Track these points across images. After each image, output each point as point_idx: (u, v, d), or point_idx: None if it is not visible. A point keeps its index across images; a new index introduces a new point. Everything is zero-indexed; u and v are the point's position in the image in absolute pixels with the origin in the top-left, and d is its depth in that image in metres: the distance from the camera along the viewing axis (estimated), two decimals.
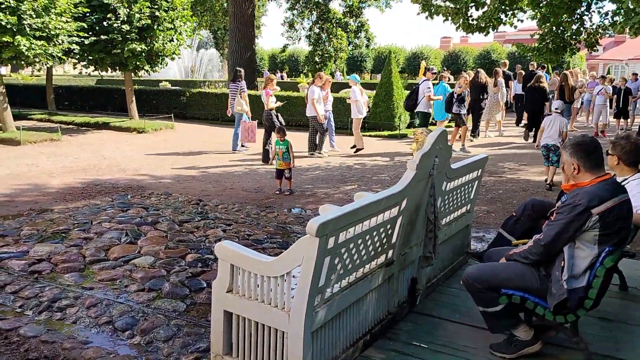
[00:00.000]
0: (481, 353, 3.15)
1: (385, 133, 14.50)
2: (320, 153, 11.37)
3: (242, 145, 12.18)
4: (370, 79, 39.39)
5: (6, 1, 11.31)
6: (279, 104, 11.07)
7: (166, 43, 15.30)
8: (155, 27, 14.72)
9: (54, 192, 7.78)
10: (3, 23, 11.23)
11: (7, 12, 11.40)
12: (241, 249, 3.01)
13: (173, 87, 21.69)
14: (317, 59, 32.10)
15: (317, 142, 11.47)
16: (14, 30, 11.53)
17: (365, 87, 14.15)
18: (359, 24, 34.85)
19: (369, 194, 3.79)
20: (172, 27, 15.33)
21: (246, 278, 2.96)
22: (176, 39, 15.85)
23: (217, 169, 9.95)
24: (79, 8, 13.32)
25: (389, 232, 3.27)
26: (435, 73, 12.54)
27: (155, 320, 3.76)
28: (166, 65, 16.90)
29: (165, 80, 26.87)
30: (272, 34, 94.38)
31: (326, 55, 32.31)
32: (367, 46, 38.24)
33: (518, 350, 3.06)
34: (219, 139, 13.84)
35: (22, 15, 11.64)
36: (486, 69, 17.40)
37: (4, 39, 11.45)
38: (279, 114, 10.62)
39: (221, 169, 9.89)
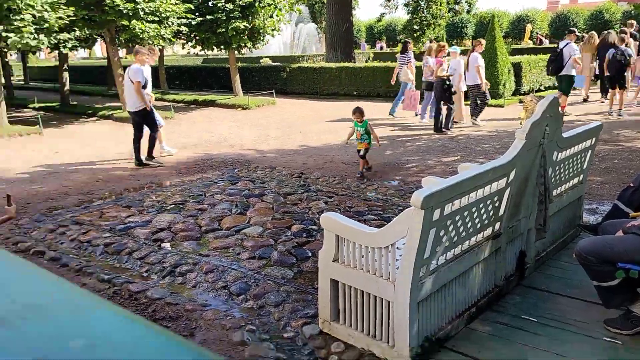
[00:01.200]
0: (594, 328, 3.02)
1: (490, 102, 13.87)
2: (476, 122, 11.06)
3: (390, 114, 12.59)
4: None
5: None
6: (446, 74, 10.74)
7: (266, 19, 15.66)
8: (256, 4, 15.11)
9: (170, 167, 8.38)
10: (121, 8, 12.11)
11: None
12: (346, 220, 3.10)
13: (274, 64, 22.22)
14: (415, 26, 31.21)
15: (473, 110, 11.18)
16: (130, 14, 12.40)
17: (467, 54, 13.55)
18: None
19: (474, 165, 3.71)
20: (272, 3, 15.64)
21: (351, 248, 3.05)
22: (276, 15, 16.16)
23: (318, 142, 10.14)
24: None
25: (497, 204, 3.19)
26: (578, 35, 11.80)
27: (266, 286, 3.99)
28: (267, 42, 17.32)
29: (266, 57, 27.56)
30: (369, 4, 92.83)
31: (425, 22, 31.29)
32: (468, 12, 36.52)
33: (635, 327, 2.90)
34: (318, 114, 14.05)
35: (136, 0, 12.46)
36: (598, 31, 15.91)
37: (122, 22, 12.36)
38: (450, 83, 10.38)
39: (322, 143, 10.07)
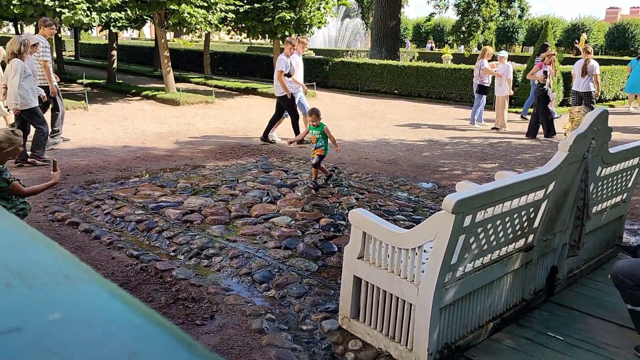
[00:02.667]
0: (624, 353, 2.90)
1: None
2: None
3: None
4: (522, 51, 36.78)
5: None
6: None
7: (313, 11, 15.65)
8: None
9: (207, 150, 8.49)
10: None
11: None
12: (374, 218, 3.06)
13: (317, 56, 22.22)
14: (463, 28, 30.67)
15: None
16: None
17: (516, 61, 13.27)
18: None
19: (512, 174, 3.61)
20: None
21: (377, 247, 3.01)
22: (323, 7, 16.13)
23: (354, 138, 10.09)
24: None
25: (532, 215, 3.09)
26: None
27: (289, 277, 3.99)
28: (312, 34, 17.31)
29: (310, 49, 27.60)
30: (418, 2, 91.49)
31: (474, 25, 30.71)
32: (520, 16, 35.66)
33: None
34: (357, 109, 13.97)
35: None
36: None
37: (171, 6, 12.55)
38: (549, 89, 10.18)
39: (358, 138, 10.01)
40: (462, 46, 30.75)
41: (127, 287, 3.84)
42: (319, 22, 16.29)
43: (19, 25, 17.21)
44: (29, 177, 6.19)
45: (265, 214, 5.38)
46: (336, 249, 4.55)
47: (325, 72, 18.74)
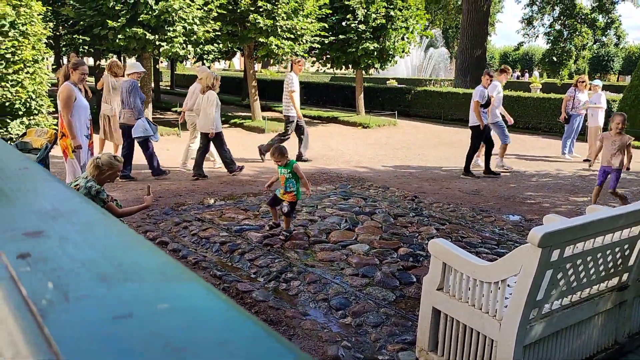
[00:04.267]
0: None
1: (636, 143, 12.69)
2: None
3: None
4: (617, 80, 34.77)
5: (264, 5, 12.96)
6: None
7: (397, 41, 15.77)
8: (388, 26, 15.29)
9: None
10: (261, 25, 12.91)
11: (264, 16, 13.07)
12: (455, 249, 2.99)
13: (399, 85, 22.25)
14: (554, 58, 29.57)
15: None
16: (269, 31, 13.16)
17: (611, 90, 12.57)
18: (609, 20, 30.97)
19: (605, 208, 3.41)
20: (405, 25, 15.73)
21: (458, 279, 2.93)
22: (407, 37, 16.22)
23: (436, 167, 9.94)
24: (323, 10, 14.55)
25: (626, 253, 2.90)
26: None
27: (366, 305, 3.96)
28: (395, 64, 17.42)
29: (393, 78, 27.71)
30: (506, 31, 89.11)
31: (565, 53, 29.53)
32: (617, 45, 33.87)
33: None
34: (439, 138, 13.79)
35: (276, 18, 13.21)
36: None
37: (260, 39, 13.16)
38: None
39: (440, 167, 9.86)
40: (549, 75, 29.58)
41: None
42: (402, 52, 16.37)
43: (122, 57, 18.71)
44: (124, 198, 6.64)
45: (343, 240, 5.41)
46: (415, 280, 4.47)
47: (407, 100, 18.70)
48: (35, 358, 0.28)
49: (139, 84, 8.53)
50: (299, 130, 9.83)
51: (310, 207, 6.65)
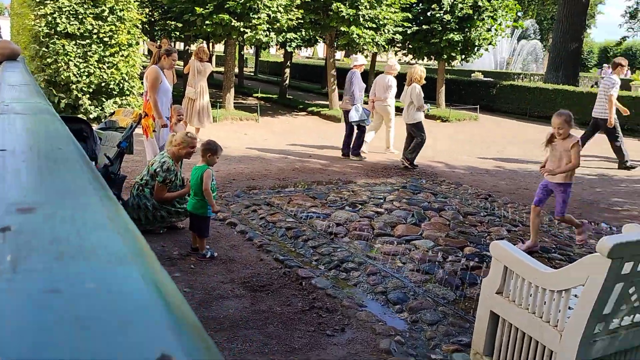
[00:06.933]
0: None
1: None
2: None
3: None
4: None
5: None
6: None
7: (483, 33, 15.19)
8: (475, 17, 14.75)
9: (359, 167, 8.68)
10: (344, 14, 12.89)
11: (347, 4, 13.02)
12: (518, 252, 2.87)
13: (484, 79, 21.46)
14: None
15: None
16: (351, 20, 13.11)
17: None
18: None
19: None
20: (493, 16, 15.10)
21: (519, 284, 2.81)
22: (495, 28, 15.58)
23: (515, 166, 9.52)
24: None
25: None
26: None
27: (424, 302, 3.90)
28: (481, 56, 16.80)
29: (478, 71, 26.74)
30: (608, 24, 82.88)
31: None
32: None
33: None
34: (523, 136, 13.18)
35: (359, 7, 13.13)
36: None
37: (342, 28, 13.14)
38: None
39: (519, 166, 9.43)
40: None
41: (269, 289, 4.08)
42: (489, 44, 15.75)
43: (210, 43, 19.39)
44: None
45: (407, 234, 5.33)
46: (478, 281, 4.32)
47: (490, 95, 18.00)
48: None
49: (359, 74, 9.71)
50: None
51: (379, 199, 6.60)
